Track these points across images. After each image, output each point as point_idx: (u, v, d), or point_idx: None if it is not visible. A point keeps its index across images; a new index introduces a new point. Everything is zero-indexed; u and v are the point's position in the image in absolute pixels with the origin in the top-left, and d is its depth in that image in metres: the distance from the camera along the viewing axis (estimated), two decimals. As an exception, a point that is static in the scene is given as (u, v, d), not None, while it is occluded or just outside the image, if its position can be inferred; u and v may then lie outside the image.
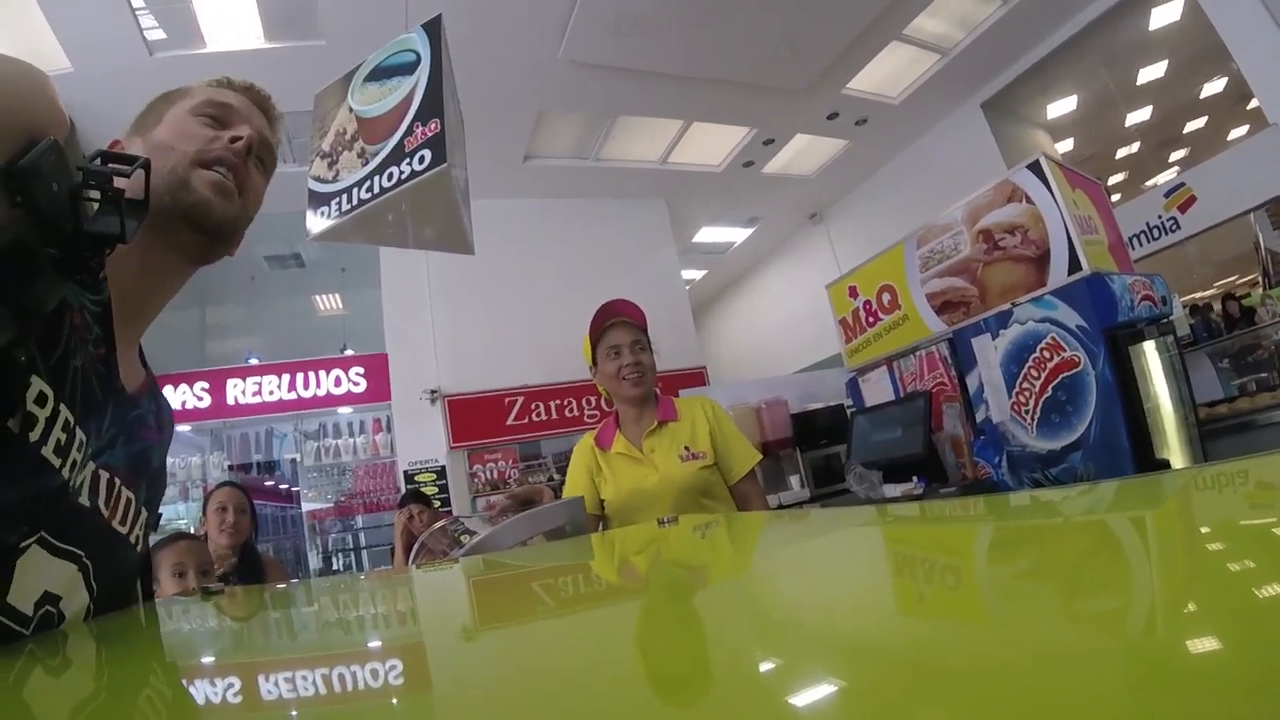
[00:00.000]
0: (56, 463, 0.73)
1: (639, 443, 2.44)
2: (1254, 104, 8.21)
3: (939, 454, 4.24)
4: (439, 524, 1.83)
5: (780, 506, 5.42)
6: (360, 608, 0.94)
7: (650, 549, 1.21)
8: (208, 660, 0.66)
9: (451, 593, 1.03)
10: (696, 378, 9.34)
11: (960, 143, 9.76)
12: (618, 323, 2.47)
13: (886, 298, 4.86)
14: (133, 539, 0.92)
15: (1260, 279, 9.07)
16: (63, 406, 0.74)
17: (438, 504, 7.65)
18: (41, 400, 0.71)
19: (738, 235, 12.75)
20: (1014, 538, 0.70)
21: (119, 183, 0.77)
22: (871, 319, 5.00)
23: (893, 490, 4.10)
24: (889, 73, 8.84)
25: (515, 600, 0.86)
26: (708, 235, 12.38)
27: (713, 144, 9.51)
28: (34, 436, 0.69)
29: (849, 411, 5.44)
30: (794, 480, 5.93)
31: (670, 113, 8.56)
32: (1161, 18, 8.65)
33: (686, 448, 2.39)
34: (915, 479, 4.04)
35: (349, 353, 9.81)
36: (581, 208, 9.92)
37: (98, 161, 0.77)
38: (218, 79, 1.18)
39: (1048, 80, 9.42)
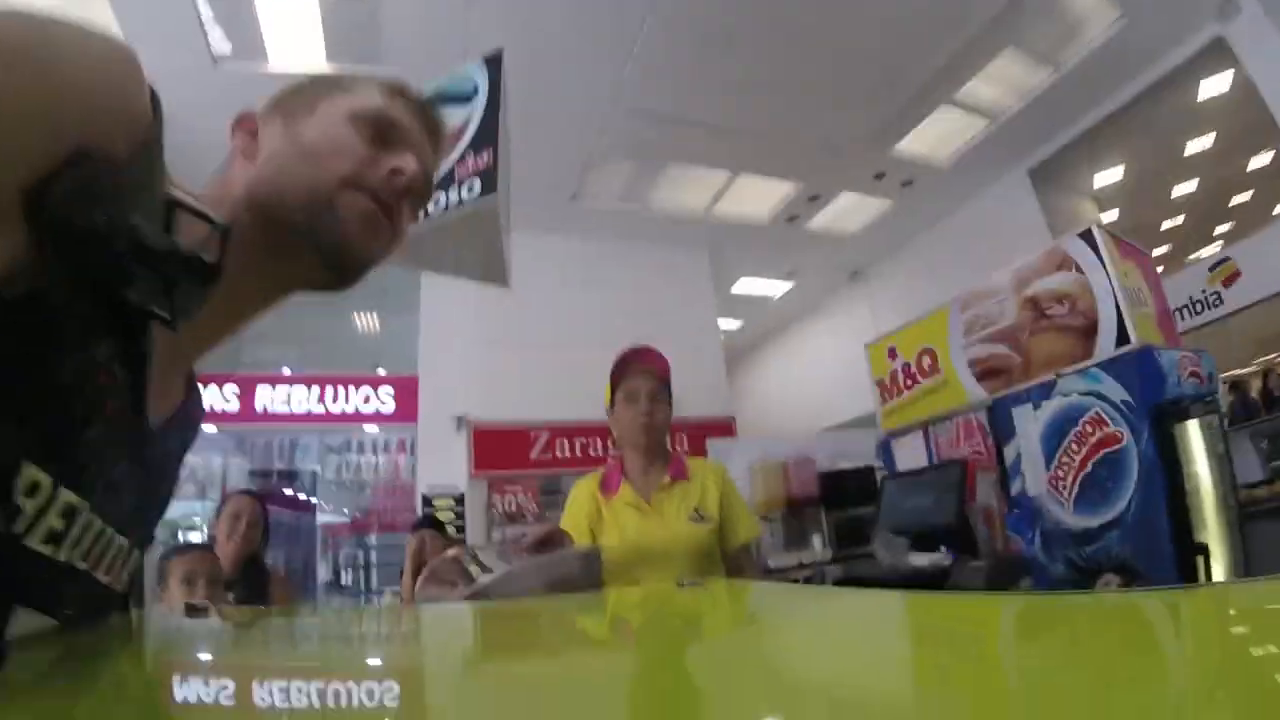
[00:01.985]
0: (48, 550, 0.60)
1: (648, 495, 2.39)
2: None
3: (970, 525, 4.12)
4: (450, 553, 1.78)
5: (800, 565, 5.34)
6: (333, 650, 0.87)
7: (689, 615, 1.14)
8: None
9: (445, 646, 0.96)
10: (725, 428, 9.28)
11: (1005, 209, 9.68)
12: (640, 370, 2.44)
13: (926, 361, 4.79)
14: (118, 585, 0.79)
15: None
16: (62, 491, 0.60)
17: (454, 530, 7.59)
18: (33, 490, 0.56)
19: (777, 289, 12.72)
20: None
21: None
22: (910, 382, 4.92)
23: (920, 559, 4.00)
24: (938, 136, 8.81)
25: (520, 665, 0.80)
26: (747, 287, 12.37)
27: (759, 196, 9.49)
28: (18, 529, 0.56)
29: (879, 474, 5.35)
30: (816, 540, 5.83)
31: (720, 163, 8.58)
32: (1210, 89, 8.55)
33: (697, 509, 2.36)
34: (944, 549, 3.93)
35: (381, 372, 9.83)
36: (624, 250, 9.94)
37: (160, 225, 0.61)
38: (391, 83, 0.98)
39: (1095, 149, 9.35)
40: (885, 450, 5.02)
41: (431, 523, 4.73)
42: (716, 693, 0.51)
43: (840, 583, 4.60)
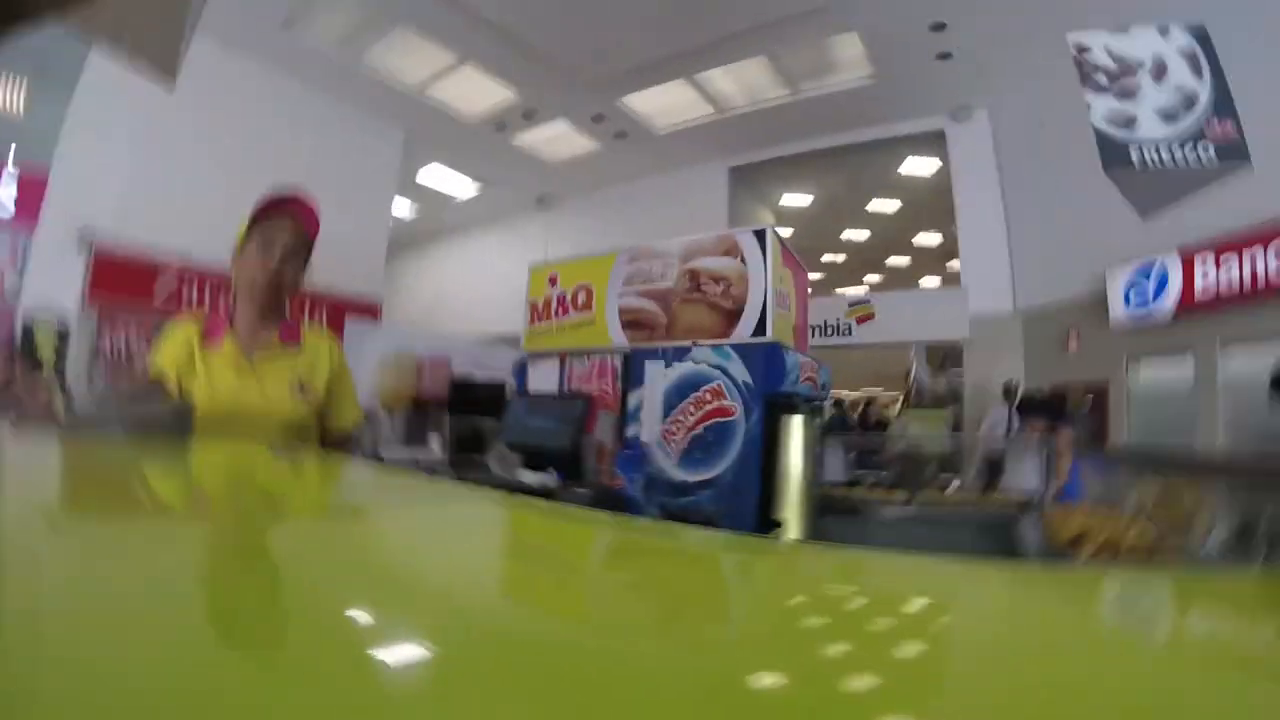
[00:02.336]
0: None
1: (250, 355, 2.15)
2: (954, 265, 9.95)
3: (583, 455, 4.40)
4: (40, 389, 1.64)
5: (414, 462, 5.40)
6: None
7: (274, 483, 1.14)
8: None
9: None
10: (371, 310, 9.11)
11: (697, 192, 10.74)
12: (284, 216, 2.17)
13: (582, 297, 5.00)
14: None
15: (903, 400, 11.17)
16: None
17: (53, 369, 6.82)
18: None
19: (464, 189, 12.59)
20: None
21: None
22: (562, 311, 5.11)
23: (529, 476, 4.20)
24: (665, 104, 9.28)
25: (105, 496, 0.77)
26: (434, 178, 12.13)
27: (476, 91, 9.34)
28: None
29: (509, 391, 5.52)
30: (435, 440, 5.92)
31: (451, 43, 8.30)
32: (913, 167, 10.13)
33: (301, 382, 2.17)
34: (554, 472, 4.17)
35: (9, 161, 8.25)
36: (320, 102, 9.35)
37: None
38: None
39: (796, 172, 10.67)
40: (521, 370, 5.19)
41: (27, 353, 4.20)
42: (281, 565, 0.54)
43: (451, 485, 4.65)
